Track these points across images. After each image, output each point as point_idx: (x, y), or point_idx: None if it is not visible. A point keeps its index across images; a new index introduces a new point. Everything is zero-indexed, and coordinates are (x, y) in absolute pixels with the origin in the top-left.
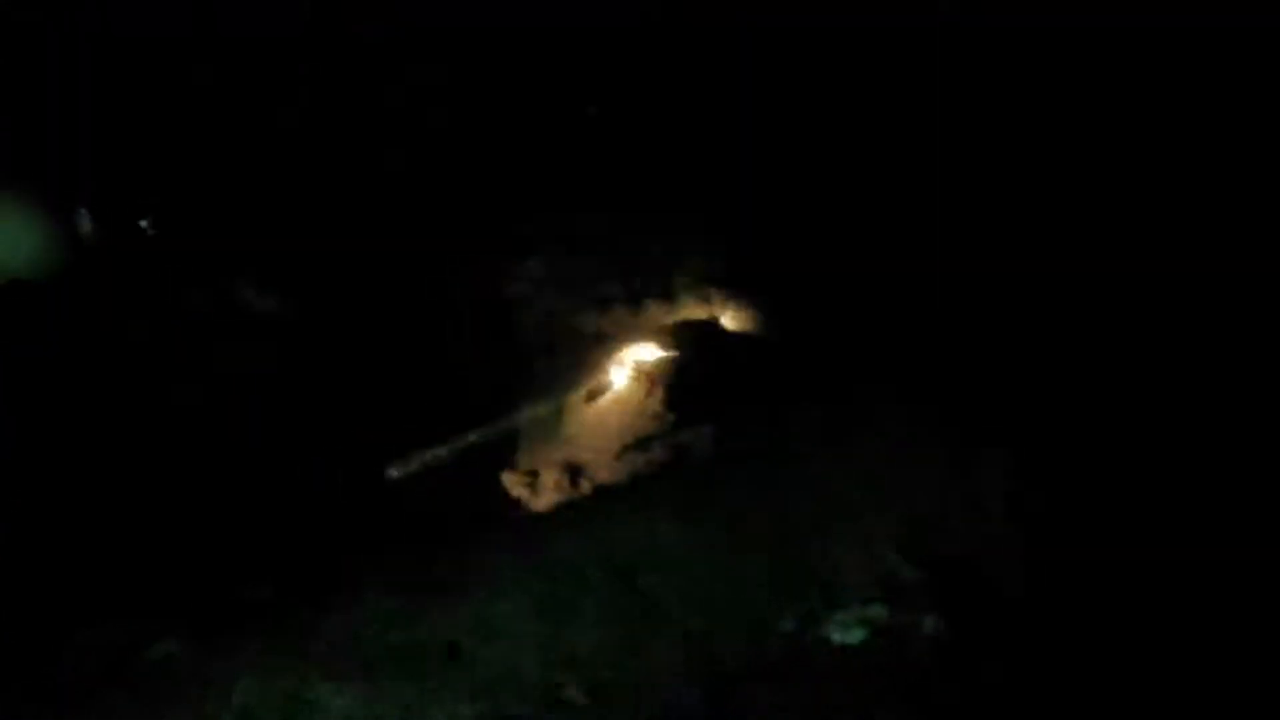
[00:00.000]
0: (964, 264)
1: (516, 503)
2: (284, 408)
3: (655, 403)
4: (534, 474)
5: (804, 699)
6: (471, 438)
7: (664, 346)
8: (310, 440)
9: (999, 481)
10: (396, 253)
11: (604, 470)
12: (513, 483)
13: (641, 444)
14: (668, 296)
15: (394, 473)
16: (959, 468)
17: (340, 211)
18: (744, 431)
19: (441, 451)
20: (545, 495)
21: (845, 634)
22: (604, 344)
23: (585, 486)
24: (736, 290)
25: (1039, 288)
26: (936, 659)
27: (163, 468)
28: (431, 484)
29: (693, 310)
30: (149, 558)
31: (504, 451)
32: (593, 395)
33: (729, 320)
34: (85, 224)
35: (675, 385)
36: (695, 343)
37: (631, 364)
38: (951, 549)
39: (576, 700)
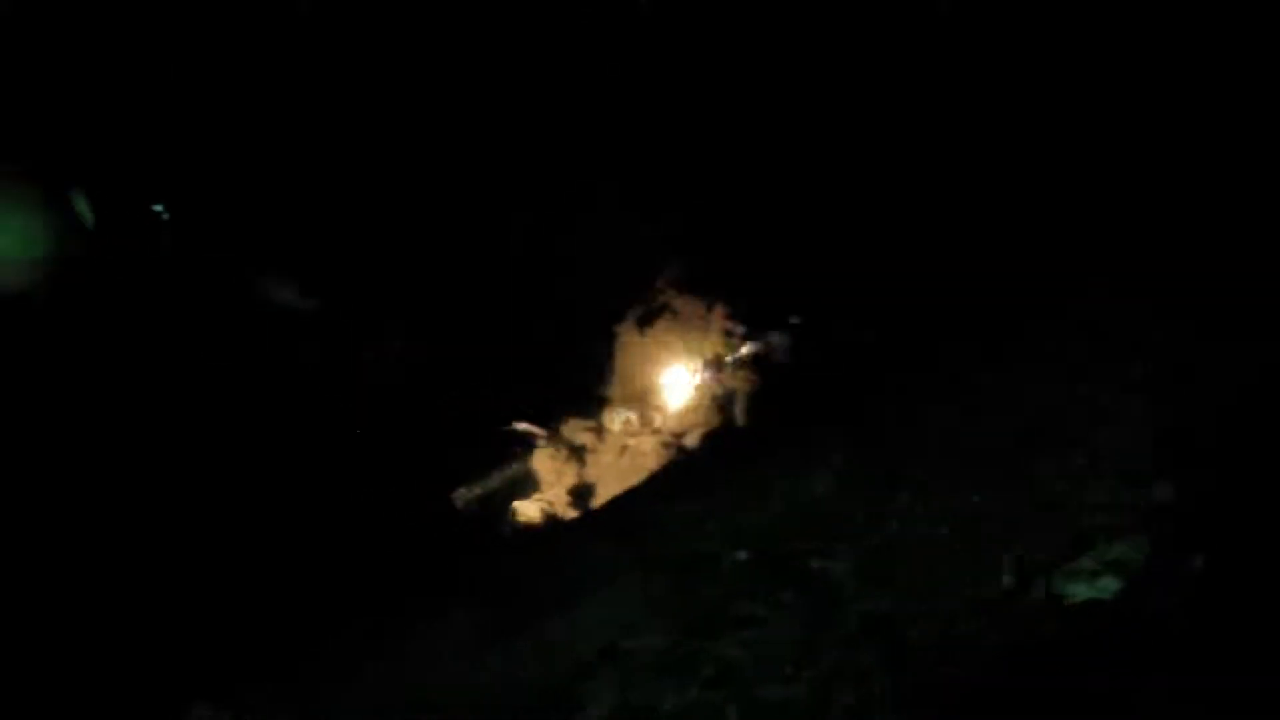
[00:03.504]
0: None
1: (588, 469)
2: (327, 422)
3: (720, 317)
4: (597, 420)
5: (1038, 681)
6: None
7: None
8: (362, 463)
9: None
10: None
11: (680, 404)
12: (575, 431)
13: (714, 365)
14: None
15: (461, 496)
16: (1179, 369)
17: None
18: (846, 345)
19: (509, 467)
20: (620, 447)
21: (1091, 586)
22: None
23: (663, 426)
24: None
25: None
26: (1218, 611)
27: (196, 497)
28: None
29: None
30: (174, 602)
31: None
32: (645, 320)
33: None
34: (84, 210)
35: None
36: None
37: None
38: (1209, 463)
39: None
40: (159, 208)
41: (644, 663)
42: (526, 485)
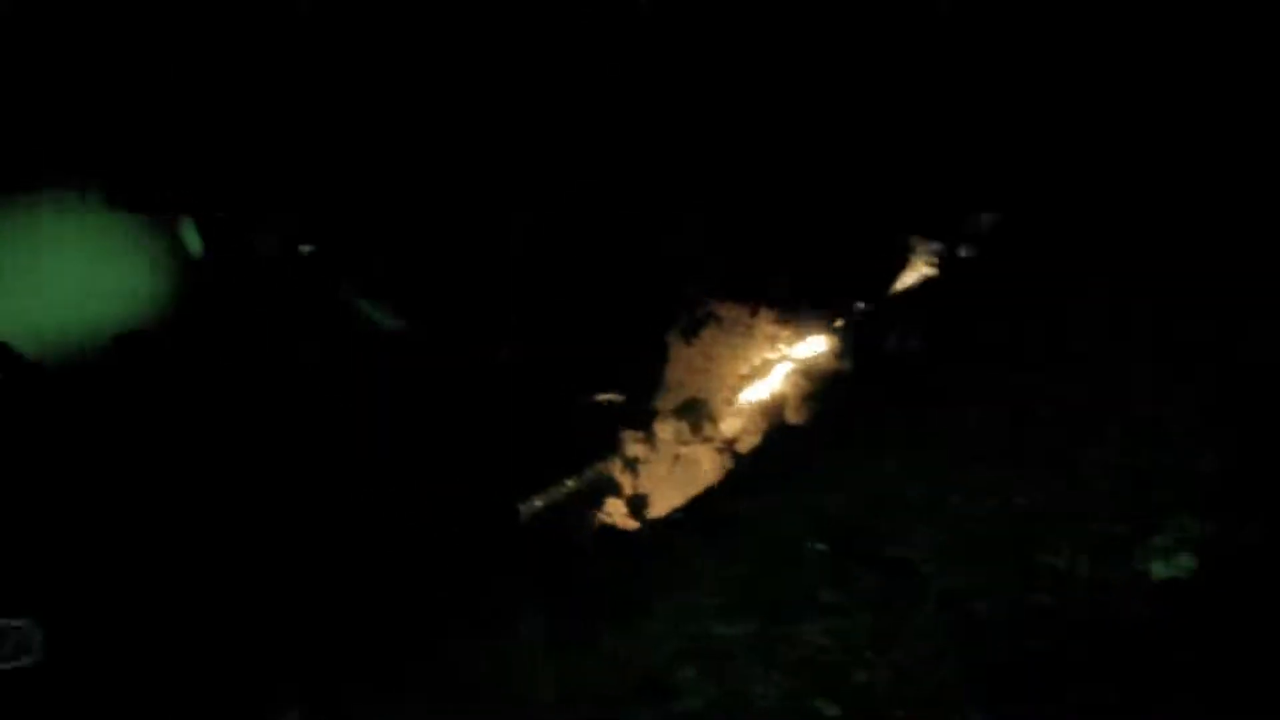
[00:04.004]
0: None
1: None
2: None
3: (766, 322)
4: (649, 430)
5: (1121, 669)
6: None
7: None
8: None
9: None
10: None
11: (730, 411)
12: (627, 443)
13: (762, 371)
14: None
15: (530, 506)
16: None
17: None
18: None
19: (572, 480)
20: (674, 456)
21: (1168, 563)
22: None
23: (715, 434)
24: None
25: None
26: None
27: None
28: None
29: None
30: (264, 612)
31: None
32: (690, 329)
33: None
34: (193, 240)
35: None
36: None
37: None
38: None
39: (824, 712)
40: (267, 236)
41: (731, 652)
42: (602, 492)
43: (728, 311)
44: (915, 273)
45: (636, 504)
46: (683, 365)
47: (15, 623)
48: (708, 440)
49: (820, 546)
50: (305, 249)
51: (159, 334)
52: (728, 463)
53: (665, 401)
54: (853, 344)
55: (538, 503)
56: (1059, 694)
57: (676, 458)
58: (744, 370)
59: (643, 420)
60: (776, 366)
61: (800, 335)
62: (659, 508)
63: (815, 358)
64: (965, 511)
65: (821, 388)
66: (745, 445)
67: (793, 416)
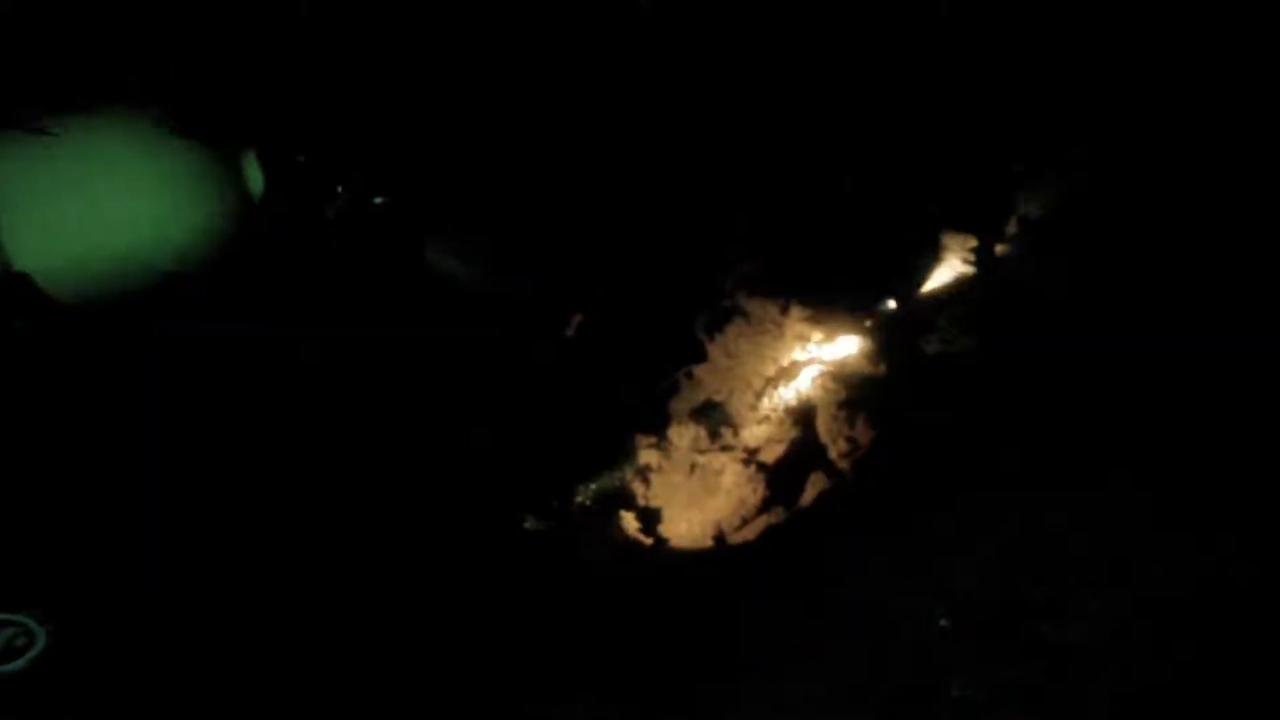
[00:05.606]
0: None
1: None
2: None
3: (796, 321)
4: (662, 436)
5: None
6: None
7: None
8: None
9: None
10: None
11: (753, 417)
12: (639, 449)
13: (789, 374)
14: None
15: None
16: None
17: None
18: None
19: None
20: (689, 465)
21: None
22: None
23: (736, 442)
24: None
25: None
26: None
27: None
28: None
29: None
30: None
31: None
32: (712, 326)
33: None
34: (254, 177)
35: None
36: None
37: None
38: None
39: None
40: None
41: None
42: (614, 505)
43: (755, 307)
44: (951, 270)
45: (650, 519)
46: (703, 364)
47: (14, 617)
48: (728, 449)
49: (945, 623)
50: (379, 200)
51: (207, 276)
52: (752, 476)
53: (681, 403)
54: (886, 345)
55: (544, 518)
56: None
57: (693, 467)
58: (770, 372)
59: (658, 424)
60: (805, 369)
61: (832, 336)
62: (674, 524)
63: (847, 360)
64: (1157, 579)
65: (854, 395)
66: (769, 457)
67: (824, 428)
